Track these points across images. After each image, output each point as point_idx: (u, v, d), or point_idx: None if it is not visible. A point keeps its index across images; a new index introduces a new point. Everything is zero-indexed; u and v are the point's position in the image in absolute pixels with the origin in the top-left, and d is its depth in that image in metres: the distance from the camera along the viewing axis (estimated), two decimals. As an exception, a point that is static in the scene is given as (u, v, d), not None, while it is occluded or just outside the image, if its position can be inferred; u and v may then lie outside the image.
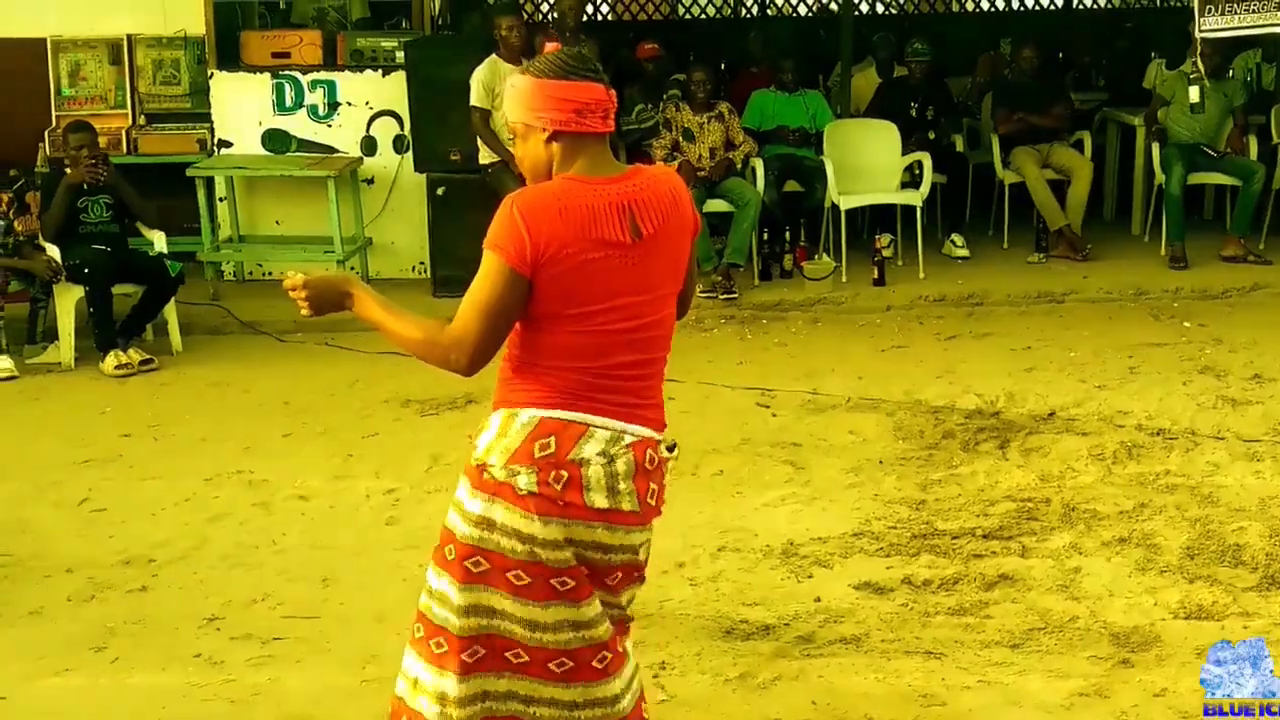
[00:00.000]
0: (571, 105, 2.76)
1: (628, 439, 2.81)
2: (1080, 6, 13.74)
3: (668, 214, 2.83)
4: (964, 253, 9.15)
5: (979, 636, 4.21)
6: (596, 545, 2.81)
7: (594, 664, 2.85)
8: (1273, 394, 6.42)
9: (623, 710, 2.91)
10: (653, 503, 2.88)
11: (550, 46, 2.89)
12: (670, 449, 2.92)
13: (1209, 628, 4.22)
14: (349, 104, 8.87)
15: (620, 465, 2.79)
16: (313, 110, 8.87)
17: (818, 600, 4.48)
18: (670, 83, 9.56)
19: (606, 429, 2.79)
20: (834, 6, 13.20)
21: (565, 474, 2.75)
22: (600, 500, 2.77)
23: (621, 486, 2.79)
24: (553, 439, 2.75)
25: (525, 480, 2.74)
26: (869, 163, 9.01)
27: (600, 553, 2.82)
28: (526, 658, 2.83)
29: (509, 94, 2.86)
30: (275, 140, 8.89)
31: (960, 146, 9.67)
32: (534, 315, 2.76)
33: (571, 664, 2.84)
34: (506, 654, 2.83)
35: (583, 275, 2.73)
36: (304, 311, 2.95)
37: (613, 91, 2.83)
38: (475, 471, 2.81)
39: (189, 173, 8.64)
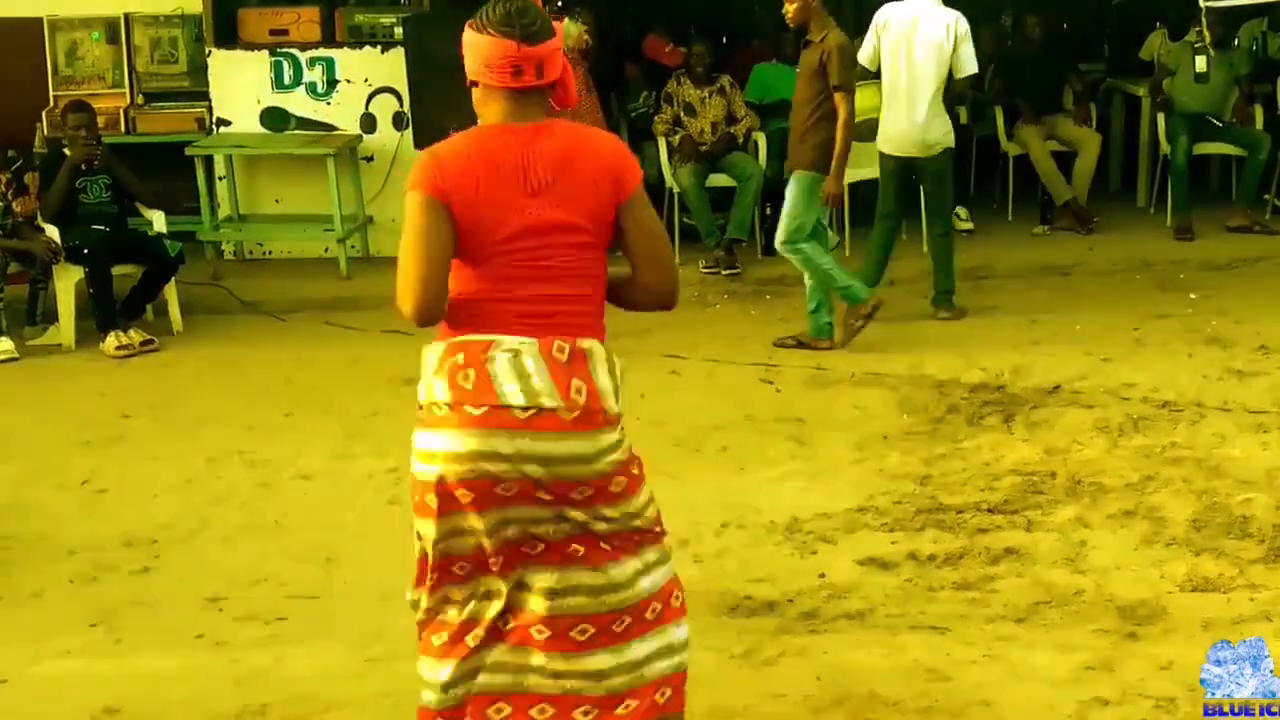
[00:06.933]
0: (481, 59, 2.89)
1: (536, 340, 2.85)
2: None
3: (569, 162, 2.89)
4: (968, 225, 9.09)
5: (984, 611, 4.19)
6: (527, 457, 2.81)
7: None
8: (1279, 365, 6.38)
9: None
10: (580, 399, 2.84)
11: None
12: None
13: (1216, 600, 4.21)
14: (348, 81, 8.82)
15: (526, 358, 2.83)
16: (311, 88, 8.82)
17: (822, 576, 4.47)
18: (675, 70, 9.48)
19: (513, 339, 2.85)
20: (836, -22, 13.08)
21: (472, 371, 2.82)
22: (514, 393, 2.79)
23: (534, 378, 2.81)
24: (461, 354, 2.86)
25: (441, 389, 2.84)
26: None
27: (540, 465, 2.82)
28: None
29: None
30: (274, 118, 8.85)
31: (964, 118, 9.60)
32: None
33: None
34: (452, 568, 2.95)
35: (483, 213, 2.85)
36: None
37: (533, 48, 2.87)
38: (418, 414, 2.94)
39: (188, 152, 8.60)
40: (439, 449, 2.86)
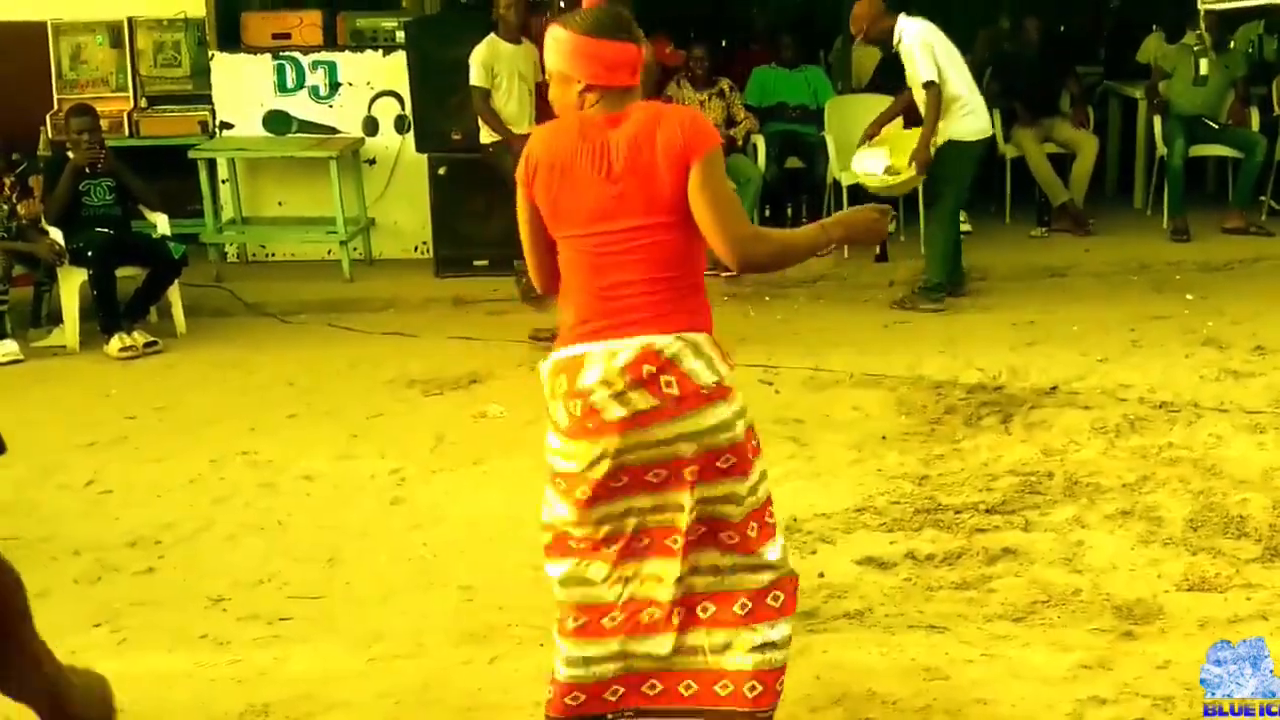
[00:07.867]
0: (602, 62, 3.06)
1: (621, 356, 3.01)
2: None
3: (640, 149, 3.01)
4: (966, 227, 9.09)
5: (982, 610, 4.22)
6: (636, 446, 3.03)
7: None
8: (1275, 365, 6.41)
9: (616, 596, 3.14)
10: (675, 392, 3.02)
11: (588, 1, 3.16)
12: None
13: (1212, 599, 4.22)
14: (350, 84, 8.86)
15: (620, 384, 3.01)
16: (314, 91, 8.87)
17: (821, 575, 4.49)
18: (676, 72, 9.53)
19: (600, 351, 3.03)
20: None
21: (579, 401, 3.05)
22: (615, 410, 3.01)
23: (629, 393, 3.01)
24: (564, 376, 3.08)
25: (561, 414, 3.09)
26: (870, 138, 9.00)
27: (646, 450, 3.03)
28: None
29: (549, 43, 3.14)
30: (277, 121, 8.89)
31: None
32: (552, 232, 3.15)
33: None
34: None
35: (563, 198, 3.06)
36: None
37: (644, 47, 3.11)
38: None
39: (191, 155, 8.64)
40: (569, 451, 3.08)
